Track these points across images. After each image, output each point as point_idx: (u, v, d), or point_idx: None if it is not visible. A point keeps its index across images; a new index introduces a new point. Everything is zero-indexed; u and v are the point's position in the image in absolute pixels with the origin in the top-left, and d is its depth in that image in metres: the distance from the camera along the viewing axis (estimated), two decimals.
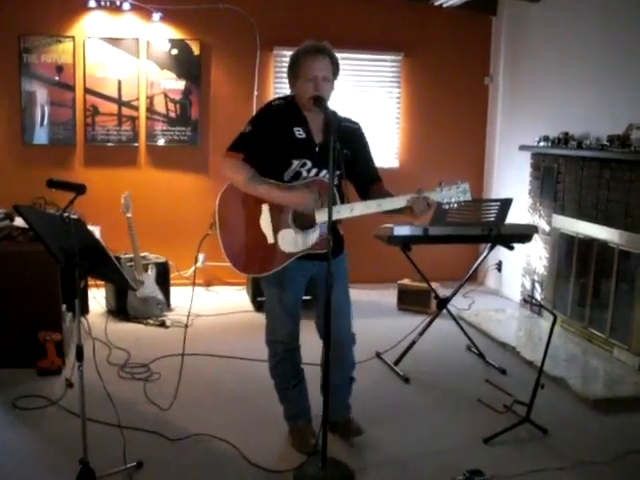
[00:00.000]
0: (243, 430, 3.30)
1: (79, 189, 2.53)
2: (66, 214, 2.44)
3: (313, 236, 2.87)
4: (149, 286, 5.13)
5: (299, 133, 2.88)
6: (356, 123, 3.05)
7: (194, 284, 4.17)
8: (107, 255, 2.56)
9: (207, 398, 3.69)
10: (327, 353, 2.74)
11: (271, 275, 2.93)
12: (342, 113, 3.01)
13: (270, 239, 2.87)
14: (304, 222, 2.87)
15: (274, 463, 2.98)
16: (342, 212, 2.80)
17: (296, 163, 2.87)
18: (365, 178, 3.04)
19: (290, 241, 2.87)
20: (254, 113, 2.99)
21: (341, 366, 3.10)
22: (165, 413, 3.46)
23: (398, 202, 2.82)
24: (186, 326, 3.90)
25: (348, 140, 2.88)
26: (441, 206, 3.83)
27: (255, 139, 2.85)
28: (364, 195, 3.02)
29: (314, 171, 2.89)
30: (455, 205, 2.83)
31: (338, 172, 2.76)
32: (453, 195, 2.79)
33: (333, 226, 2.70)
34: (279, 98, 2.99)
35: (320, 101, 2.76)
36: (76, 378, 2.86)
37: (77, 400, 2.66)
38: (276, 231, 2.88)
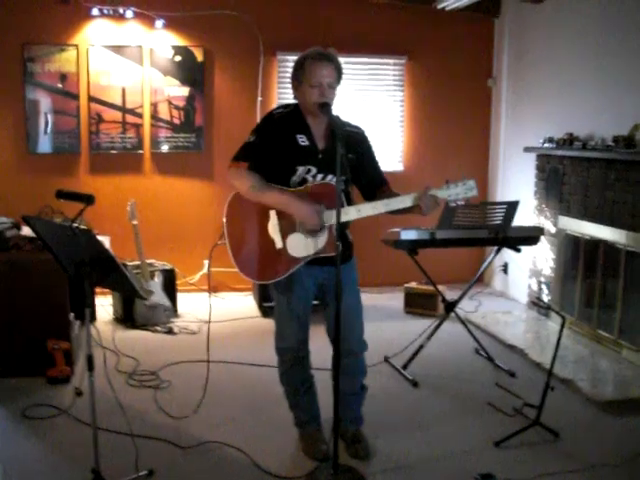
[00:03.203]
0: (254, 437, 3.30)
1: (88, 200, 2.53)
2: (75, 225, 2.45)
3: (322, 239, 2.87)
4: (156, 293, 5.14)
5: (302, 140, 2.89)
6: (358, 127, 3.06)
7: (209, 290, 4.16)
8: (118, 266, 2.55)
9: (217, 405, 3.68)
10: (337, 360, 2.74)
11: (280, 281, 2.93)
12: (345, 117, 3.01)
13: (279, 244, 2.87)
14: None
15: (285, 470, 2.98)
16: (350, 214, 2.82)
17: (301, 169, 2.88)
18: (372, 181, 3.06)
19: (299, 245, 2.87)
20: (257, 123, 2.99)
21: (351, 373, 3.11)
22: (175, 421, 3.45)
23: (405, 201, 2.84)
24: (208, 334, 3.89)
25: (352, 144, 2.89)
26: (448, 209, 3.90)
27: (260, 148, 2.87)
28: (371, 199, 3.02)
29: (319, 177, 2.90)
30: (462, 202, 2.84)
31: (344, 177, 2.76)
32: (460, 192, 2.80)
33: (341, 231, 2.71)
34: (280, 107, 3.01)
35: (327, 107, 2.78)
36: (85, 386, 2.87)
37: (87, 409, 2.67)
38: (285, 236, 2.88)
